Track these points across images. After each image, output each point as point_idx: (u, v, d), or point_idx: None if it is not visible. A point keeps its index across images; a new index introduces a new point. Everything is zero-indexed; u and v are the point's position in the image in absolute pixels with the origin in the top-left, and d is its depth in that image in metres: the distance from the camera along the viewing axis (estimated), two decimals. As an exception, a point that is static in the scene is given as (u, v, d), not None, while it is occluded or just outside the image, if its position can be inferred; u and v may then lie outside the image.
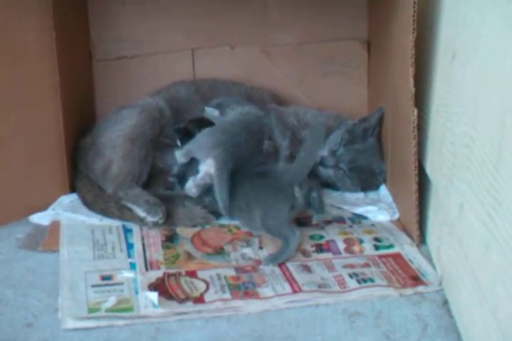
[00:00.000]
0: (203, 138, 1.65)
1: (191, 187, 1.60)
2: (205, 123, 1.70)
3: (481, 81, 1.08)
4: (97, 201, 1.65)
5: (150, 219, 1.57)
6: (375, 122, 1.78)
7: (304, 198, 1.48)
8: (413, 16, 1.36)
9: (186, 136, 1.69)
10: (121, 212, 1.61)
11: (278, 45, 2.04)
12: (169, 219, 1.59)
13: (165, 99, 1.82)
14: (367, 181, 1.78)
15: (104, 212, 1.62)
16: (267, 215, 1.45)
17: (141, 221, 1.58)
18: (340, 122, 1.86)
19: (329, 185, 1.79)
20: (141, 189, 1.66)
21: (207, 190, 1.60)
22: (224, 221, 1.60)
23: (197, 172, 1.61)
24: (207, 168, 1.58)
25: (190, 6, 1.98)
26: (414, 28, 1.37)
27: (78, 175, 1.74)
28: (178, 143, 1.71)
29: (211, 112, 1.69)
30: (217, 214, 1.60)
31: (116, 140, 1.70)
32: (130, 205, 1.61)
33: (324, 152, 1.79)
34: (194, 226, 1.58)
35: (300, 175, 1.48)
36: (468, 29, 1.18)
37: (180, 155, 1.66)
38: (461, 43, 1.23)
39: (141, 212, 1.58)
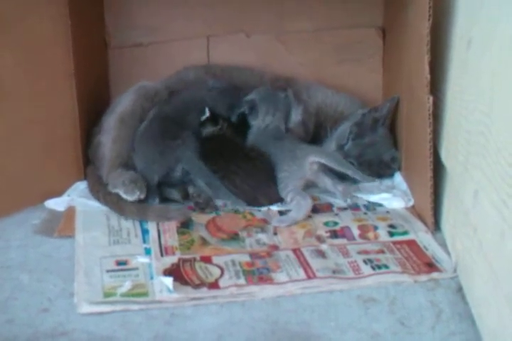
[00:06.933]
0: None
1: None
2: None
3: (497, 68, 1.08)
4: (93, 190, 1.65)
5: (129, 198, 1.57)
6: (386, 112, 1.77)
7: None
8: (429, 3, 1.35)
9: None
10: (105, 200, 1.61)
11: (293, 32, 2.03)
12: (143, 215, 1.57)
13: (166, 83, 1.83)
14: (379, 172, 1.76)
15: (100, 201, 1.62)
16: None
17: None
18: (350, 111, 1.86)
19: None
20: (122, 169, 1.65)
21: (190, 179, 1.65)
22: (239, 207, 1.61)
23: None
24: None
25: (206, -7, 1.99)
26: (430, 15, 1.36)
27: (88, 163, 1.74)
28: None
29: None
30: (205, 205, 1.60)
31: (110, 123, 1.71)
32: (116, 191, 1.60)
33: (332, 147, 1.77)
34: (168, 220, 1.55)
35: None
36: (485, 16, 1.18)
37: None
38: (478, 30, 1.22)
39: (123, 195, 1.58)
